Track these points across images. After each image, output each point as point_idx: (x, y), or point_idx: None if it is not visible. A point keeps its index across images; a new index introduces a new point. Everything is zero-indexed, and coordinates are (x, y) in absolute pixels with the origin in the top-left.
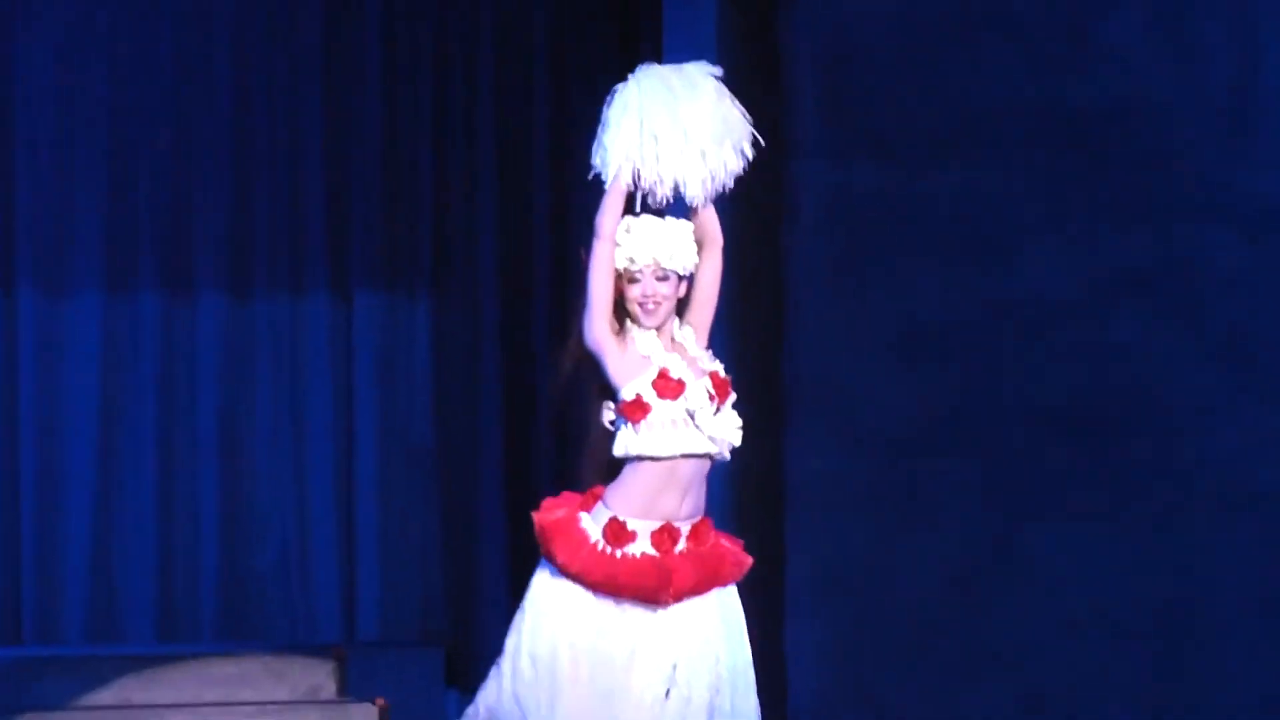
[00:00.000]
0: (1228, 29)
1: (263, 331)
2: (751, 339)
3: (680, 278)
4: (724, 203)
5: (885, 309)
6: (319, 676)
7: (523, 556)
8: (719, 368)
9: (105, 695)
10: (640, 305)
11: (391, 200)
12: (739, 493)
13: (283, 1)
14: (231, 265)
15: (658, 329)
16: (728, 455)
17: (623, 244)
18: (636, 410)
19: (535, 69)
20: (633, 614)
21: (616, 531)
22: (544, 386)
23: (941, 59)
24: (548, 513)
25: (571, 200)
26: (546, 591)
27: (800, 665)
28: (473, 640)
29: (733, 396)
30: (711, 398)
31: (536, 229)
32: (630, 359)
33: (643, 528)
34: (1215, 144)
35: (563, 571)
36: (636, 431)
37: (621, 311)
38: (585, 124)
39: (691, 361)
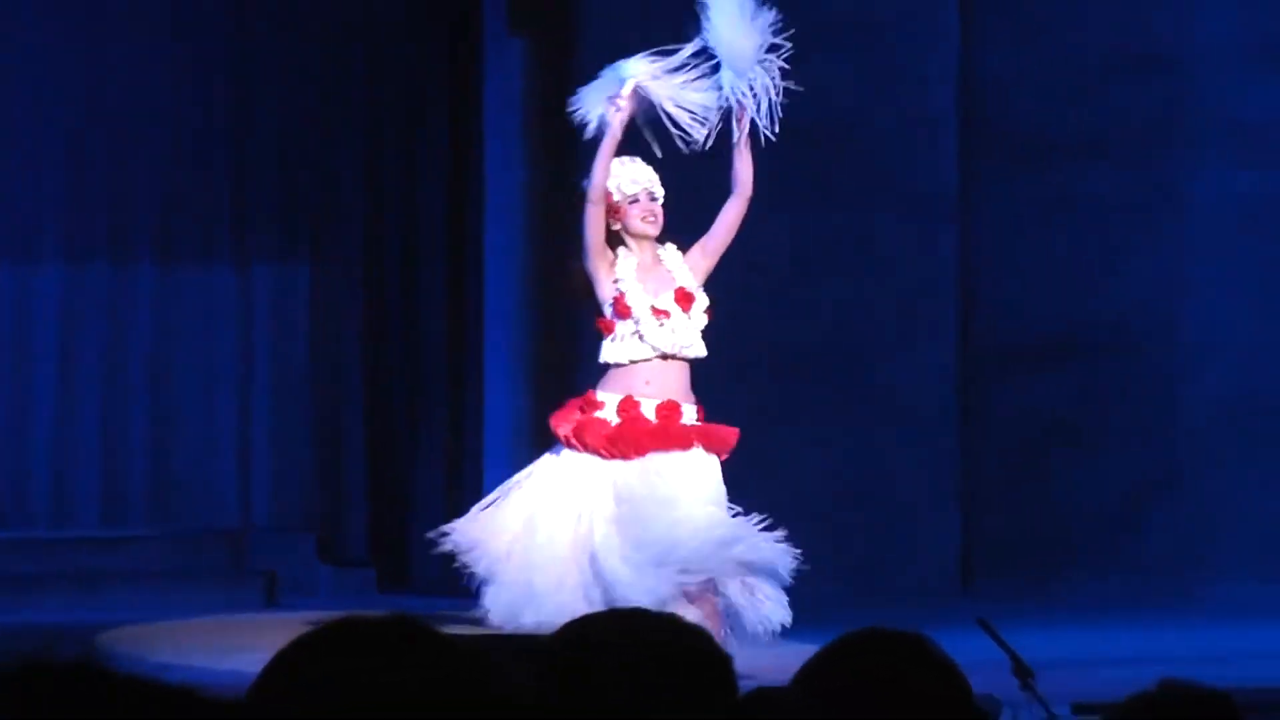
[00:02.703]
0: (903, 62)
1: (186, 293)
2: None
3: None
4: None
5: None
6: (221, 554)
7: (378, 462)
8: (690, 283)
9: (62, 566)
10: (643, 219)
11: (280, 194)
12: None
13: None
14: (161, 246)
15: (641, 243)
16: (688, 356)
17: (619, 175)
18: (605, 327)
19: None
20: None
21: (628, 405)
22: (394, 332)
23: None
24: (565, 422)
25: (419, 197)
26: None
27: None
28: (339, 526)
29: (699, 303)
30: (661, 313)
31: (388, 212)
32: (608, 286)
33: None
34: (895, 152)
35: (610, 450)
36: (612, 342)
37: (613, 241)
38: (423, 137)
39: (664, 277)
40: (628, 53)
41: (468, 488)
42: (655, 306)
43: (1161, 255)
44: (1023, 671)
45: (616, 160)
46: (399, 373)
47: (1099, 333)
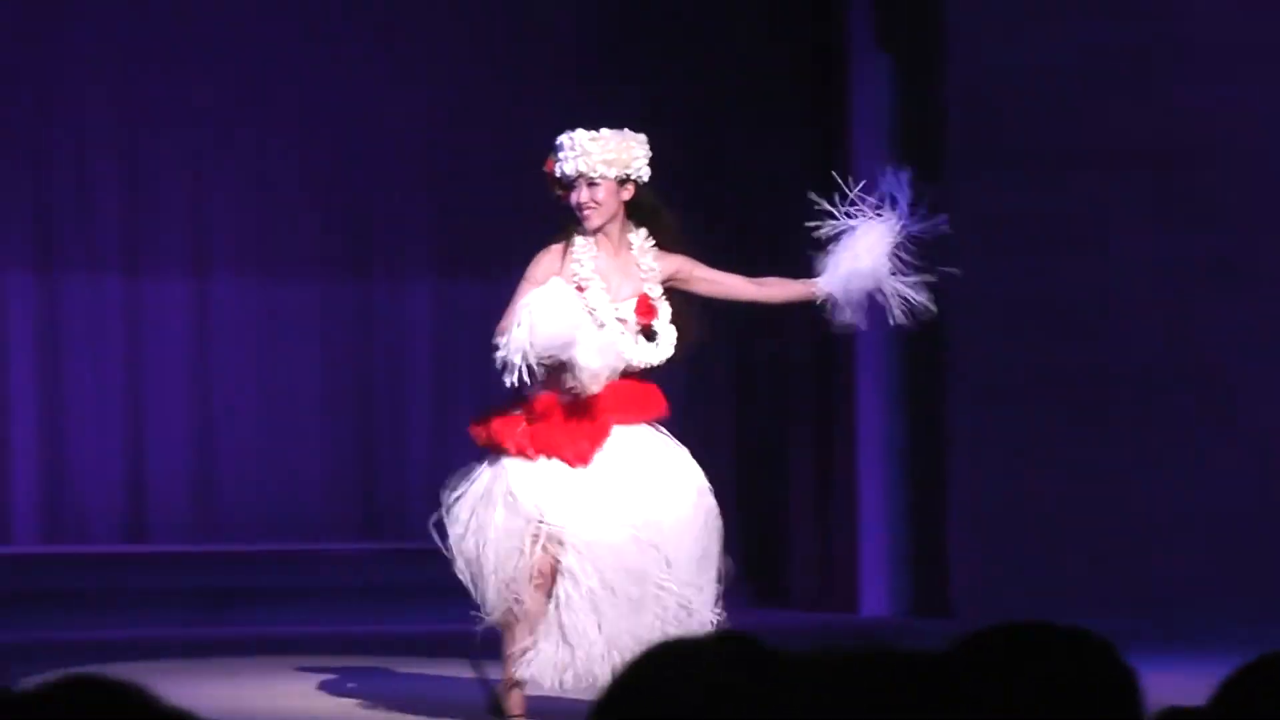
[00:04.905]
0: None
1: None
2: None
3: (620, 181)
4: None
5: None
6: None
7: (750, 476)
8: (655, 291)
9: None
10: (578, 210)
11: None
12: None
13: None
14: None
15: (602, 232)
16: (640, 368)
17: (568, 150)
18: None
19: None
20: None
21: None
22: (761, 343)
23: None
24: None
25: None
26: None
27: None
28: None
29: (659, 315)
30: (622, 321)
31: (749, 221)
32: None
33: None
34: None
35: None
36: None
37: (571, 221)
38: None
39: (631, 274)
40: (993, 68)
41: (839, 500)
42: (619, 315)
43: None
44: None
45: (573, 134)
46: (768, 386)
47: None
